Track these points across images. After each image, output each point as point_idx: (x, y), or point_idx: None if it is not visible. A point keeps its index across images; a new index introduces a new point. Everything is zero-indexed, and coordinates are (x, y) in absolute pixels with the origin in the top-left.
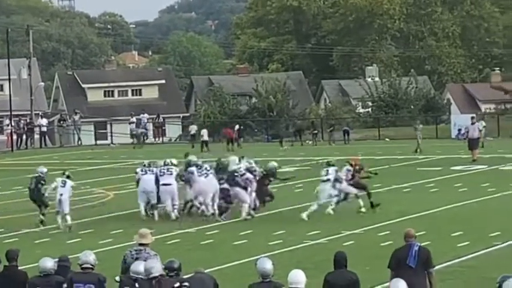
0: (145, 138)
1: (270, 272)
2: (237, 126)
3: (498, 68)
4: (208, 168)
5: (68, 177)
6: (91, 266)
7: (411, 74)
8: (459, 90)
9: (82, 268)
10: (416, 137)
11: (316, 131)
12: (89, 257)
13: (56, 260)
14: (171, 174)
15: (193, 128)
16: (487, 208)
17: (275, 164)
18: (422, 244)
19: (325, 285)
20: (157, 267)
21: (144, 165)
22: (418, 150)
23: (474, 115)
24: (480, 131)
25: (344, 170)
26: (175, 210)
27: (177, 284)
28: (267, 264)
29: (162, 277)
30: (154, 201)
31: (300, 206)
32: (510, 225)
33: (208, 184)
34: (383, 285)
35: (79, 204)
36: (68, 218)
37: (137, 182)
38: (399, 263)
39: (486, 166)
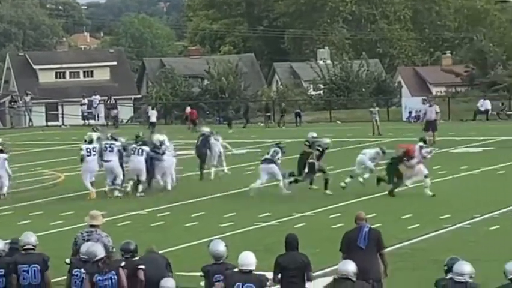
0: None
1: (222, 254)
2: (188, 109)
3: (449, 51)
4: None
5: (1, 151)
6: (32, 247)
7: (363, 57)
8: (410, 73)
9: (24, 249)
10: (371, 120)
11: (269, 114)
12: (30, 238)
13: (8, 241)
14: (112, 150)
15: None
16: (438, 191)
17: (328, 140)
18: (373, 226)
19: (276, 268)
20: (99, 249)
21: (85, 141)
22: (376, 133)
23: (425, 97)
24: (437, 113)
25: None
26: (117, 187)
27: (123, 263)
28: (220, 246)
29: (107, 258)
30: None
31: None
32: (460, 208)
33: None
34: (334, 267)
35: (30, 186)
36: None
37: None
38: (349, 245)
39: (437, 149)
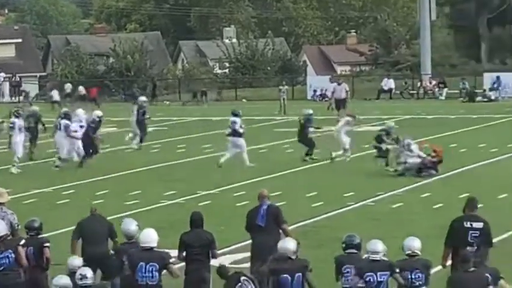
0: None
1: (134, 233)
2: (80, 88)
3: (353, 31)
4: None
5: None
6: None
7: (268, 36)
8: (315, 52)
9: None
10: (278, 99)
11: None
12: None
13: None
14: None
15: (68, 87)
16: (342, 168)
17: (311, 111)
18: (278, 204)
19: (181, 245)
20: (1, 227)
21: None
22: (282, 111)
23: (332, 76)
24: (347, 91)
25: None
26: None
27: (22, 242)
28: (132, 226)
29: (7, 236)
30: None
31: (156, 166)
32: (363, 186)
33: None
34: (239, 244)
35: None
36: None
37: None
38: (251, 224)
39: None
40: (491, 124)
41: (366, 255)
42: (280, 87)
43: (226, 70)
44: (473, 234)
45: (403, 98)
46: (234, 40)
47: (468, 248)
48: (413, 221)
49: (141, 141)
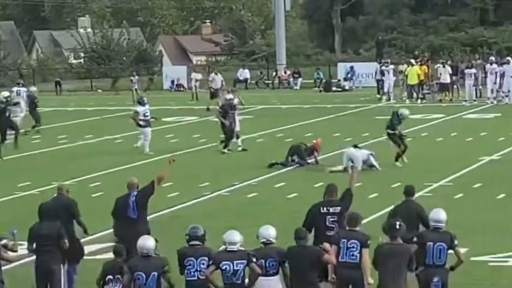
0: None
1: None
2: None
3: (209, 21)
4: None
5: None
6: None
7: (124, 26)
8: (171, 42)
9: None
10: (131, 89)
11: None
12: None
13: None
14: None
15: None
16: (198, 159)
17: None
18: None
19: (30, 237)
20: None
21: None
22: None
23: (186, 66)
24: (222, 81)
25: None
26: None
27: None
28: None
29: None
30: None
31: (11, 157)
32: (219, 176)
33: None
34: (95, 236)
35: None
36: None
37: None
38: (121, 213)
39: (197, 117)
40: (345, 113)
41: (223, 247)
42: (132, 77)
43: (81, 60)
44: (331, 219)
45: (258, 88)
46: (89, 30)
47: (327, 232)
48: (268, 211)
49: None
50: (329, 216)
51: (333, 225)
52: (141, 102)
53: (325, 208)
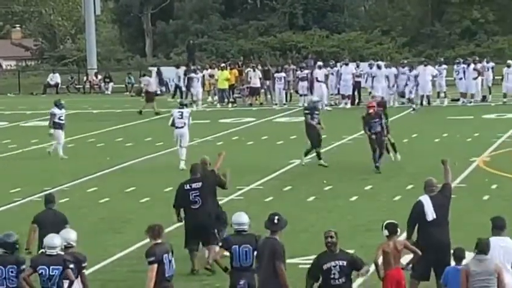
0: None
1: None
2: None
3: (18, 25)
4: None
5: None
6: None
7: None
8: None
9: None
10: None
11: None
12: None
13: None
14: None
15: None
16: (9, 165)
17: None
18: None
19: None
20: None
21: None
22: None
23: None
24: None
25: None
26: None
27: None
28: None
29: None
30: None
31: None
32: (29, 181)
33: None
34: None
35: None
36: None
37: None
38: None
39: (7, 123)
40: (158, 118)
41: (42, 250)
42: None
43: None
44: (193, 194)
45: (69, 93)
46: None
47: (191, 206)
48: (80, 216)
49: None
50: (191, 192)
51: (196, 200)
52: (58, 106)
53: (188, 185)
